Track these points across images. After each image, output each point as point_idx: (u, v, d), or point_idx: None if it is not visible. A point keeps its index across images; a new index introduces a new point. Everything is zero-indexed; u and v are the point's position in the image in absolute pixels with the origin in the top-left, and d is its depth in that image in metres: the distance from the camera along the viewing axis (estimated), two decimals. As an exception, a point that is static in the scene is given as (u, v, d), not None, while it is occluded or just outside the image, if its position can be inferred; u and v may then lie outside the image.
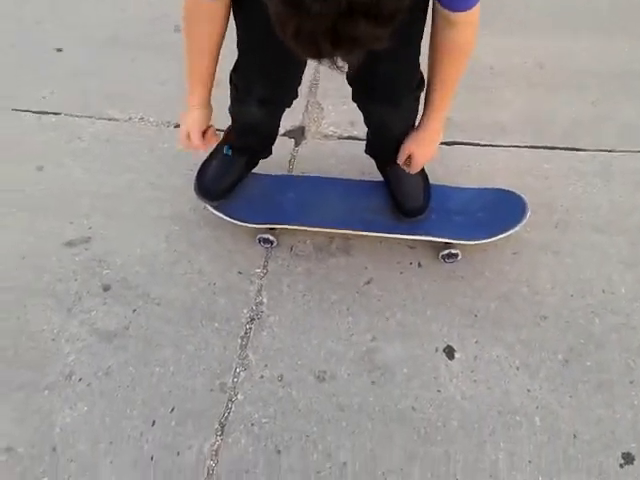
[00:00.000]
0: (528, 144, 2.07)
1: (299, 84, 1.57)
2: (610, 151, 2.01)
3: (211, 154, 1.78)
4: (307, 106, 2.24)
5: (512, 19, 2.53)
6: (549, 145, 2.06)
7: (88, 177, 2.06)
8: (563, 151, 2.04)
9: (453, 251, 1.72)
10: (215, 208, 1.82)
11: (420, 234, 1.73)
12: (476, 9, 1.18)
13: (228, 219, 1.80)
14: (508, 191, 1.78)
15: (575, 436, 1.43)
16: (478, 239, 1.70)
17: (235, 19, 1.34)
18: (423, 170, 1.73)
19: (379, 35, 0.78)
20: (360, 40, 0.77)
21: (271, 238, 1.79)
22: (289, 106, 1.64)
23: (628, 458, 1.39)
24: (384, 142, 1.68)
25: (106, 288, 1.77)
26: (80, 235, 1.90)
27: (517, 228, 1.68)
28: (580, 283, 1.69)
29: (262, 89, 1.49)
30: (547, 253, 1.76)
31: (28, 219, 1.94)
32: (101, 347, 1.65)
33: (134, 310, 1.72)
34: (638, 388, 1.49)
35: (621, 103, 2.19)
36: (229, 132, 1.75)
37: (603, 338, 1.58)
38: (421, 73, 1.45)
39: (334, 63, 0.85)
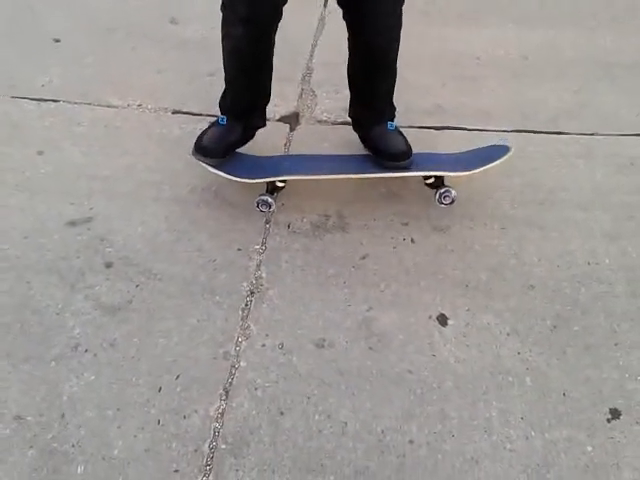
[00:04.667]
0: (514, 128, 2.16)
1: (281, 3, 1.66)
2: (592, 134, 2.11)
3: (208, 127, 1.90)
4: (301, 93, 2.31)
5: (498, 13, 2.63)
6: (534, 130, 2.15)
7: (87, 160, 2.11)
8: (547, 135, 2.13)
9: (450, 190, 1.81)
10: (211, 165, 1.88)
11: (413, 170, 1.83)
12: None
13: (224, 175, 1.85)
14: (490, 145, 1.94)
15: (564, 394, 1.50)
16: (467, 170, 1.81)
17: None
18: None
19: None
20: None
21: (269, 199, 1.84)
22: (273, 29, 1.72)
23: (615, 413, 1.47)
24: (368, 72, 1.82)
25: (108, 265, 1.82)
26: (81, 215, 1.95)
27: (501, 160, 1.79)
28: (565, 255, 1.77)
29: (244, 7, 1.62)
30: (533, 228, 1.84)
31: (29, 200, 1.99)
32: (105, 320, 1.70)
33: (137, 285, 1.77)
34: (623, 350, 1.57)
35: (602, 91, 2.29)
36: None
37: (588, 305, 1.66)
38: None
39: None
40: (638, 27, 2.52)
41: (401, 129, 1.91)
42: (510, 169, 1.98)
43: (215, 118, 1.92)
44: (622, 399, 1.49)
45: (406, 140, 1.86)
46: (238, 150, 1.95)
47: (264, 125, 1.97)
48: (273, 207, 1.86)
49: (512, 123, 2.17)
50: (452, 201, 1.82)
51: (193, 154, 1.87)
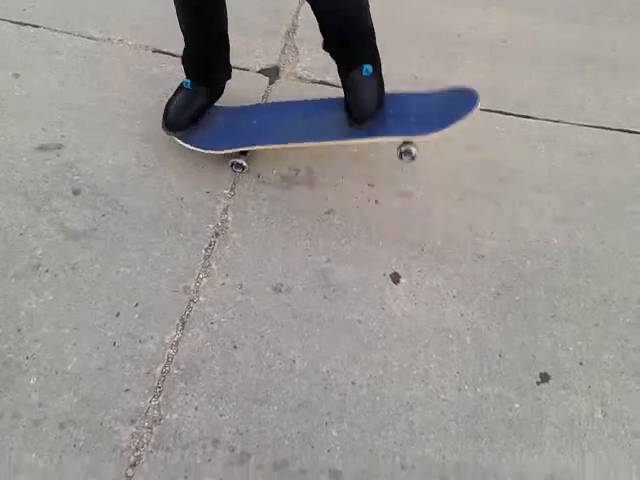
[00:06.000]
0: (484, 107, 2.23)
1: None
2: (557, 121, 2.20)
3: (174, 92, 1.94)
4: (284, 48, 2.34)
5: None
6: (503, 111, 2.23)
7: (63, 88, 2.10)
8: (515, 117, 2.21)
9: (411, 147, 1.79)
10: (180, 138, 1.93)
11: (378, 136, 1.82)
12: None
13: (193, 148, 1.91)
14: (460, 88, 1.87)
15: (500, 355, 1.61)
16: (432, 131, 1.76)
17: None
18: (380, 78, 1.82)
19: None
20: None
21: (243, 163, 1.89)
22: None
23: (544, 377, 1.59)
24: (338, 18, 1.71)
25: (76, 192, 1.84)
26: (52, 141, 1.96)
27: (467, 117, 1.76)
28: (517, 231, 1.87)
29: None
30: (490, 203, 1.94)
31: (1, 121, 1.98)
32: (68, 244, 1.73)
33: (103, 215, 1.80)
34: (559, 322, 1.68)
35: (572, 83, 2.38)
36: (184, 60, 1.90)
37: (532, 278, 1.77)
38: None
39: None
40: (614, 24, 2.61)
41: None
42: (476, 145, 2.07)
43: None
44: (552, 365, 1.61)
45: (379, 93, 1.81)
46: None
47: (229, 77, 1.99)
48: (246, 167, 1.90)
49: (484, 102, 2.23)
50: (413, 158, 1.81)
51: (162, 129, 1.92)
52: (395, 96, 1.89)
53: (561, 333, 1.67)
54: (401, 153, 1.80)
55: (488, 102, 2.25)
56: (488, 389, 1.55)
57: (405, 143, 1.80)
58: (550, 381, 1.58)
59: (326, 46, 1.79)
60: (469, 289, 1.73)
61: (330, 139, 1.85)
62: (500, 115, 2.21)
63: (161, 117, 1.93)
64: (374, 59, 1.80)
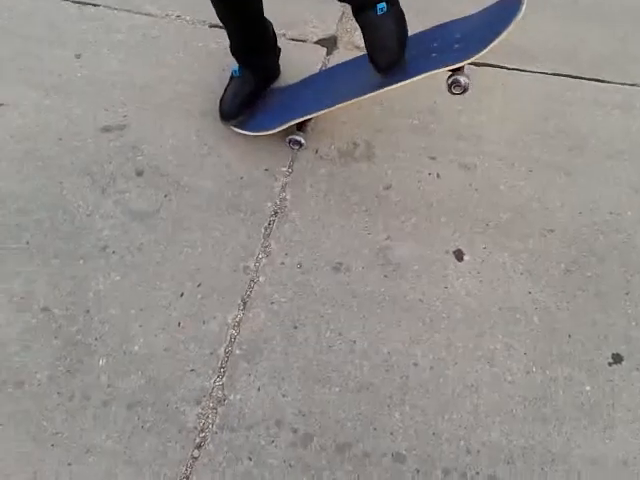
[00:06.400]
0: (554, 72, 2.11)
1: None
2: (633, 85, 2.06)
3: (227, 83, 1.97)
4: (341, 17, 2.27)
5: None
6: (574, 74, 2.10)
7: (124, 68, 2.12)
8: (587, 81, 2.08)
9: (459, 77, 1.55)
10: (236, 127, 1.93)
11: (420, 73, 1.57)
12: None
13: (249, 133, 1.91)
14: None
15: (570, 335, 1.55)
16: (476, 52, 1.51)
17: None
18: (399, 13, 1.57)
19: None
20: None
21: (301, 140, 1.85)
22: None
23: (617, 358, 1.52)
24: None
25: (139, 173, 1.87)
26: (115, 122, 1.98)
27: (510, 27, 1.46)
28: (589, 203, 1.78)
29: None
30: (560, 173, 1.84)
31: (64, 103, 2.02)
32: (133, 225, 1.76)
33: (165, 195, 1.82)
34: (633, 300, 1.60)
35: (649, 41, 2.22)
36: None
37: (605, 253, 1.68)
38: None
39: None
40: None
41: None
42: (545, 112, 1.96)
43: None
44: (625, 345, 1.53)
45: (399, 32, 1.56)
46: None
47: (277, 58, 2.00)
48: (304, 144, 1.87)
49: (553, 65, 2.13)
50: (464, 89, 1.57)
51: (220, 121, 1.96)
52: (435, 29, 1.70)
53: (635, 311, 1.59)
54: (449, 86, 1.57)
55: (558, 65, 2.13)
56: (557, 371, 1.50)
57: (452, 74, 1.56)
58: (623, 362, 1.51)
59: None
60: (537, 266, 1.67)
61: (370, 91, 1.66)
62: (571, 79, 2.09)
63: (221, 93, 1.95)
64: None
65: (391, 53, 1.57)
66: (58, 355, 1.54)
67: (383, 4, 1.52)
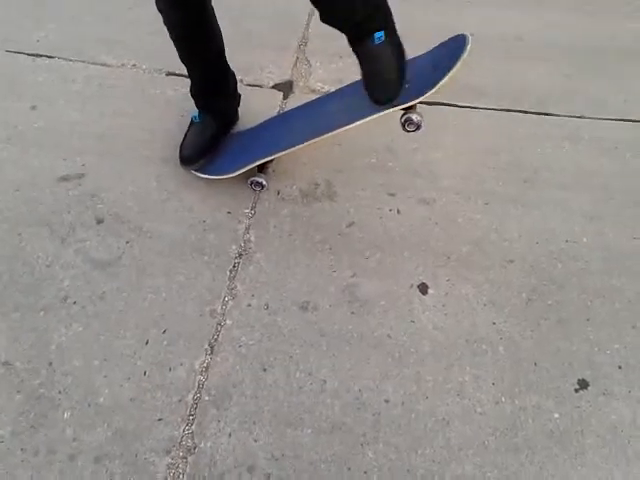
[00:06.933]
0: (504, 108, 2.20)
1: None
2: (580, 117, 2.15)
3: (187, 128, 1.99)
4: (296, 62, 2.33)
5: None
6: (523, 109, 2.19)
7: (81, 117, 2.12)
8: (536, 115, 2.17)
9: (411, 115, 1.61)
10: (197, 171, 1.95)
11: (373, 114, 1.60)
12: None
13: (210, 177, 1.92)
14: (450, 39, 1.66)
15: (535, 364, 1.57)
16: (427, 91, 1.55)
17: None
18: (395, 41, 1.53)
19: None
20: None
21: (262, 181, 1.87)
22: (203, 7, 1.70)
23: (583, 384, 1.54)
24: None
25: (99, 221, 1.85)
26: (73, 171, 1.97)
27: (458, 64, 1.51)
28: (545, 233, 1.83)
29: None
30: (516, 205, 1.90)
31: (21, 154, 2.00)
32: (95, 274, 1.73)
33: (127, 242, 1.80)
34: (594, 325, 1.64)
35: (592, 77, 2.33)
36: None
37: (564, 281, 1.73)
38: None
39: None
40: (632, 13, 2.55)
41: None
42: (497, 147, 2.03)
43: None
44: (590, 370, 1.56)
45: (398, 60, 1.52)
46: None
47: (237, 104, 2.04)
48: (266, 185, 1.89)
49: (502, 102, 2.21)
50: (417, 127, 1.63)
51: (181, 166, 1.97)
52: None
53: (597, 336, 1.63)
54: (403, 124, 1.63)
55: (507, 102, 2.21)
56: (526, 400, 1.51)
57: (405, 112, 1.62)
58: (589, 387, 1.54)
59: (323, 17, 1.49)
60: (500, 296, 1.70)
61: (326, 132, 1.69)
62: (520, 114, 2.18)
63: (180, 139, 1.96)
64: (386, 21, 1.50)
65: (391, 87, 1.54)
66: (21, 410, 1.48)
67: (381, 33, 1.47)
